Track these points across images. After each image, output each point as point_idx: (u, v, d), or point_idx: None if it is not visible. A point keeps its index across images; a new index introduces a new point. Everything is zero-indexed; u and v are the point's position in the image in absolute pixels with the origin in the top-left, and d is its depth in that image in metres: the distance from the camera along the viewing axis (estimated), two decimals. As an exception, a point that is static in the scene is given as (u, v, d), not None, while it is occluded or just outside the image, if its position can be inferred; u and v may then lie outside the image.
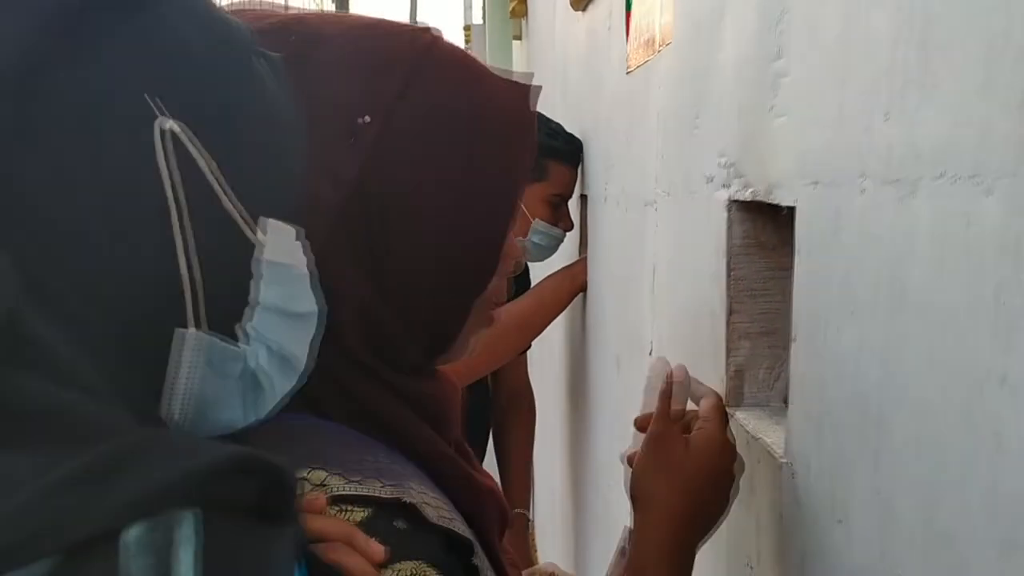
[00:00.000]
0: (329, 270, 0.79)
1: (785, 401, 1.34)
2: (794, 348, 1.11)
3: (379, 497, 0.75)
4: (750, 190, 1.27)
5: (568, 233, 2.71)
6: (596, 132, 2.64)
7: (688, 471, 1.08)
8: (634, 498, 1.11)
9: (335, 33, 0.84)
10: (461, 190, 0.85)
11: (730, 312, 1.38)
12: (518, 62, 6.17)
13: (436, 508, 0.79)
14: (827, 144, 1.01)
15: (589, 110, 2.76)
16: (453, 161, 0.85)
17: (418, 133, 0.84)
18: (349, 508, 0.75)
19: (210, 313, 0.59)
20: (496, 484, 0.93)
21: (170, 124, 0.57)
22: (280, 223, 0.65)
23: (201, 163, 0.59)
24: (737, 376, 1.38)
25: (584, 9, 2.83)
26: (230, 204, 0.61)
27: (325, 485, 0.75)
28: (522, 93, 0.90)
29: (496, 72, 0.91)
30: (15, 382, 0.49)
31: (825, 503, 1.00)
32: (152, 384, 0.58)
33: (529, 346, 2.86)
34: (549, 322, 2.64)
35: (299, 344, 0.67)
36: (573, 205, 2.84)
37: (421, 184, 0.84)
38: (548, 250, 2.68)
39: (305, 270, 0.67)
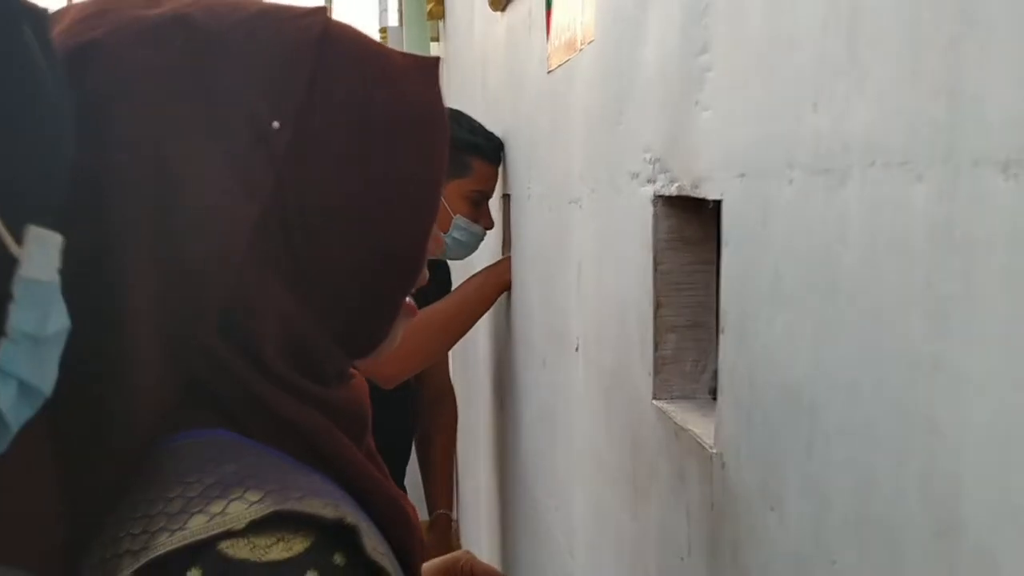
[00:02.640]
0: (247, 285, 0.77)
1: (711, 393, 1.36)
2: (723, 340, 1.12)
3: (322, 516, 0.72)
4: (676, 184, 1.28)
5: (490, 232, 2.72)
6: (518, 132, 2.65)
7: None
8: None
9: (224, 29, 0.78)
10: (382, 187, 0.82)
11: (657, 306, 1.38)
12: (436, 63, 6.15)
13: (370, 537, 0.76)
14: (754, 136, 1.02)
15: (510, 110, 2.76)
16: (370, 157, 0.81)
17: (331, 132, 0.80)
18: (290, 537, 0.71)
19: None
20: (413, 506, 0.89)
21: None
22: (44, 231, 0.55)
23: None
24: (664, 369, 1.39)
25: (503, 9, 2.83)
26: None
27: (263, 502, 0.71)
28: (427, 75, 0.86)
29: (395, 53, 0.87)
30: None
31: (757, 492, 1.01)
32: None
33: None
34: (475, 321, 2.65)
35: (49, 369, 0.57)
36: (495, 205, 2.84)
37: (340, 186, 0.80)
38: (468, 248, 2.70)
39: (57, 280, 0.56)
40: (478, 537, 3.81)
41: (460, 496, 4.21)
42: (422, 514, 3.12)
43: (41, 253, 0.54)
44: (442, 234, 2.60)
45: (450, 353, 3.08)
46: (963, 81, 0.66)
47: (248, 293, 0.77)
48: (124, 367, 0.74)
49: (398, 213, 0.84)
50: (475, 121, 2.71)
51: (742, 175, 1.05)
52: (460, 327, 2.61)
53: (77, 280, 0.64)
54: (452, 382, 3.25)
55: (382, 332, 0.88)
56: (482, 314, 2.67)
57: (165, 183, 0.74)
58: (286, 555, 0.70)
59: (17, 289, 0.53)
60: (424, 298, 2.51)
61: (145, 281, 0.73)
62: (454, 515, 3.30)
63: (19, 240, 0.52)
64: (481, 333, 3.34)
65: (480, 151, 2.63)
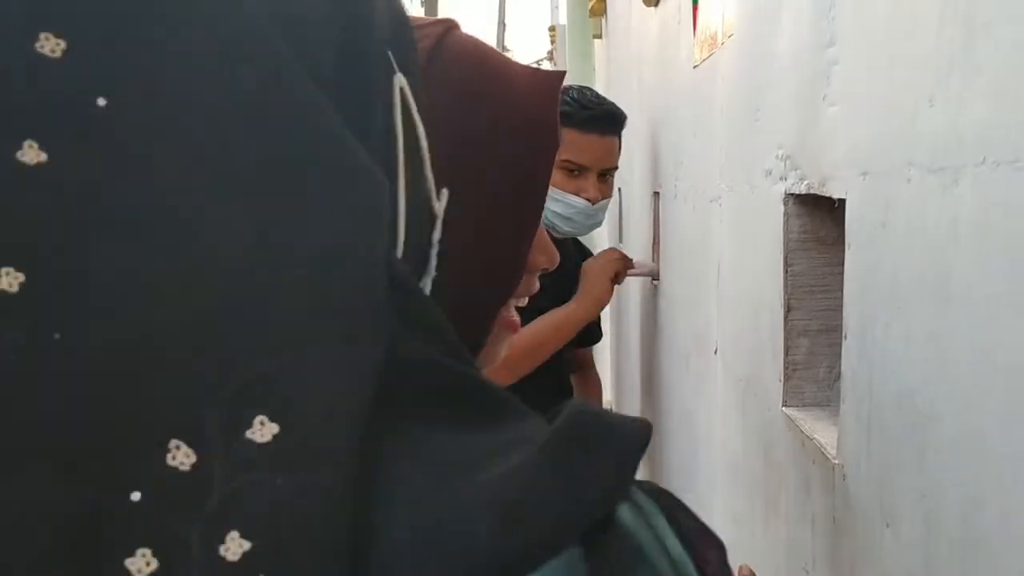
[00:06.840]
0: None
1: (845, 401, 1.30)
2: (845, 345, 1.07)
3: None
4: (805, 182, 1.23)
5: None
6: (666, 128, 2.60)
7: None
8: None
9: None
10: (497, 195, 0.81)
11: (788, 309, 1.33)
12: (599, 60, 6.14)
13: None
14: (876, 133, 0.97)
15: (660, 106, 2.72)
16: (472, 160, 0.81)
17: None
18: None
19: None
20: None
21: (401, 80, 0.53)
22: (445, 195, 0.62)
23: (419, 126, 0.55)
24: (795, 375, 1.34)
25: (656, 5, 2.80)
26: (429, 171, 0.57)
27: None
28: (546, 86, 0.85)
29: (517, 65, 0.87)
30: (450, 364, 0.47)
31: (874, 506, 0.96)
32: None
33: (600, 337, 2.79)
34: (560, 346, 2.39)
35: None
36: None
37: (482, 190, 0.80)
38: (576, 223, 2.42)
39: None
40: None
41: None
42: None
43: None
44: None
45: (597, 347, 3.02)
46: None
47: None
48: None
49: (507, 224, 0.82)
50: (585, 91, 2.48)
51: (864, 173, 1.00)
52: (545, 353, 2.35)
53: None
54: (597, 366, 3.14)
55: (474, 342, 0.85)
56: (569, 339, 2.41)
57: None
58: None
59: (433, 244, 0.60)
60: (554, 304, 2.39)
61: None
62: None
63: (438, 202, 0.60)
64: (632, 330, 3.30)
65: (564, 118, 2.37)
